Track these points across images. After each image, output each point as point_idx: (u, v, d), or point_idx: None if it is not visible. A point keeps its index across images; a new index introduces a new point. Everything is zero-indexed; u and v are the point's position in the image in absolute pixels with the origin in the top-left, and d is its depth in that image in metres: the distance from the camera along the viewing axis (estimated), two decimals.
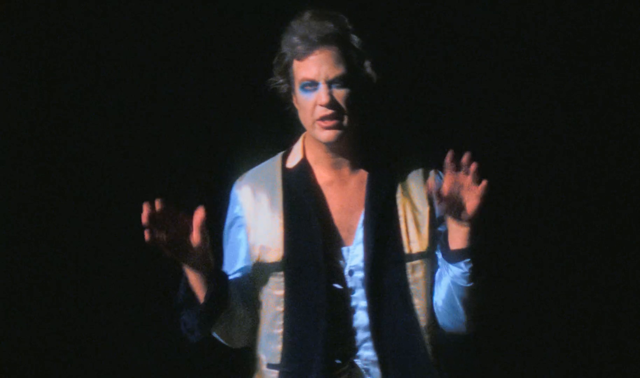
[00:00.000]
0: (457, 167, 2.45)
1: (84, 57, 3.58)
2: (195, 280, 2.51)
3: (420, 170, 2.69)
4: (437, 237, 2.62)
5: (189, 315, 2.53)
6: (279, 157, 2.75)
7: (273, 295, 2.63)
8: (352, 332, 2.61)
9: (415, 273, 2.61)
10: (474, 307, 2.58)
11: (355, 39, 2.57)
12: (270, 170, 2.72)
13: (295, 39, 2.55)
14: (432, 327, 2.63)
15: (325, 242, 2.60)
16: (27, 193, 3.58)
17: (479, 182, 2.44)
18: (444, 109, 3.67)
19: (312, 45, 2.53)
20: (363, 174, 2.67)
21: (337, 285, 2.60)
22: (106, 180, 3.64)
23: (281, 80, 2.65)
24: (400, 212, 2.63)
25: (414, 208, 2.64)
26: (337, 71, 2.54)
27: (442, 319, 2.63)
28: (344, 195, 2.66)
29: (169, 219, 2.41)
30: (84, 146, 3.62)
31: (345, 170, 2.67)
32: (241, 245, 2.69)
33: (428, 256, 2.63)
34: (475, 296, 2.56)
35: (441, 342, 2.65)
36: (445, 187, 2.46)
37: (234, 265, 2.69)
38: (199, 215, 2.42)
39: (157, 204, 2.39)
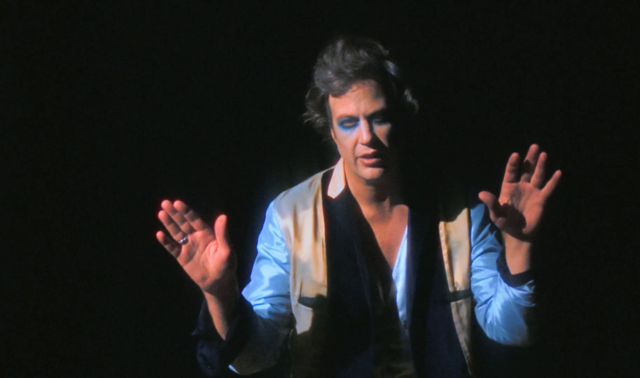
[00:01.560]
0: (517, 176, 2.27)
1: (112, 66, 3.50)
2: (216, 310, 2.32)
3: (461, 204, 2.56)
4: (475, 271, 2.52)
5: (209, 349, 2.34)
6: (319, 181, 2.62)
7: (315, 327, 2.53)
8: (395, 373, 2.54)
9: (460, 312, 2.52)
10: (539, 323, 2.42)
11: (392, 67, 2.42)
12: (311, 196, 2.59)
13: (330, 74, 2.40)
14: (478, 362, 2.55)
15: (371, 278, 2.50)
16: (32, 193, 3.49)
17: (543, 184, 2.25)
18: (481, 128, 3.55)
19: (348, 80, 2.38)
20: (404, 207, 2.56)
21: (384, 326, 2.52)
22: (121, 186, 3.55)
23: (316, 115, 2.51)
24: (444, 250, 2.52)
25: (457, 243, 2.53)
26: (376, 105, 2.39)
27: (499, 334, 2.50)
28: (385, 230, 2.55)
29: (189, 224, 2.24)
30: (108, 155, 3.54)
31: (386, 203, 2.56)
32: (278, 271, 2.57)
33: (470, 293, 2.54)
34: (541, 313, 2.39)
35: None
36: (503, 197, 2.27)
37: (267, 289, 2.57)
38: (222, 222, 2.23)
39: (177, 204, 2.21)
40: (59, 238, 3.49)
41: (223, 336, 2.31)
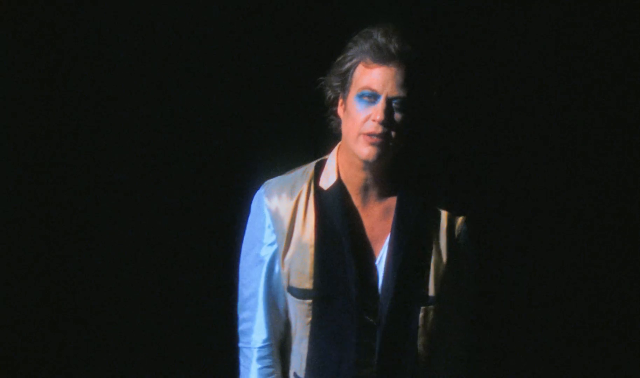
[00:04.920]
0: None
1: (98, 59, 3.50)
2: None
3: (446, 214, 2.58)
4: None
5: None
6: (311, 170, 2.60)
7: (301, 319, 2.56)
8: (362, 367, 2.55)
9: (427, 317, 2.54)
10: None
11: (431, 65, 2.47)
12: (302, 185, 2.58)
13: (371, 44, 2.43)
14: (429, 369, 2.57)
15: (356, 273, 2.51)
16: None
17: None
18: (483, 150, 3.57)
19: (387, 55, 2.42)
20: (390, 202, 2.56)
21: (368, 318, 2.52)
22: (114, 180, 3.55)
23: (336, 83, 2.51)
24: (423, 252, 2.55)
25: (437, 249, 2.55)
26: (402, 91, 2.42)
27: None
28: (368, 224, 2.56)
29: None
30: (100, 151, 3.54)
31: (373, 195, 2.55)
32: (273, 261, 2.58)
33: (440, 301, 2.55)
34: None
35: None
36: None
37: (265, 279, 2.58)
38: None
39: None
40: (52, 238, 3.51)
41: None
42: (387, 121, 2.41)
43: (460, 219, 2.57)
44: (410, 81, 2.42)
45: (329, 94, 2.53)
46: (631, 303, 3.64)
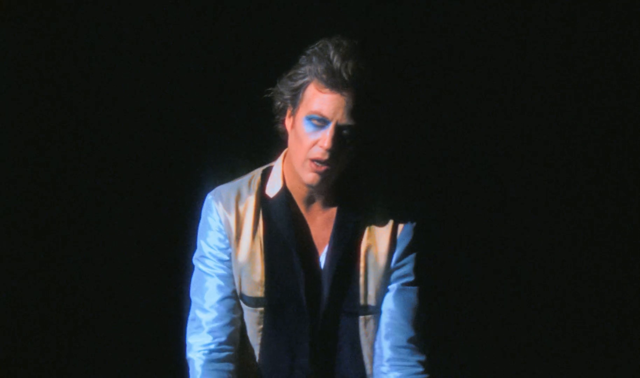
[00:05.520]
0: None
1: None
2: None
3: (390, 221, 2.58)
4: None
5: None
6: (258, 178, 2.60)
7: (252, 327, 2.56)
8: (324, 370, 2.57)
9: (367, 327, 2.55)
10: None
11: (382, 92, 2.45)
12: (250, 193, 2.58)
13: (326, 67, 2.39)
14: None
15: (305, 281, 2.52)
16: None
17: None
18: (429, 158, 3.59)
19: (340, 82, 2.37)
20: (332, 212, 2.56)
21: (315, 325, 2.53)
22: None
23: (286, 96, 2.48)
24: (362, 262, 2.54)
25: (376, 258, 2.55)
26: (352, 120, 2.39)
27: None
28: (310, 233, 2.56)
29: None
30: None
31: (316, 205, 2.56)
32: (226, 266, 2.57)
33: (379, 310, 2.56)
34: None
35: None
36: None
37: (210, 283, 2.56)
38: None
39: None
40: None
41: None
42: (335, 149, 2.39)
43: (403, 228, 2.57)
44: (361, 109, 2.39)
45: (278, 103, 2.51)
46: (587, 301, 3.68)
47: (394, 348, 2.53)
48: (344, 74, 2.36)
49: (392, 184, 2.98)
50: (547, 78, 3.56)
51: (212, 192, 2.60)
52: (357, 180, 2.58)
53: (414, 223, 2.57)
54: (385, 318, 2.55)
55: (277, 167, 2.58)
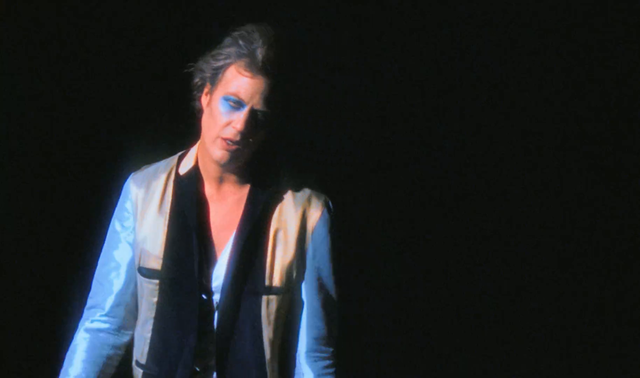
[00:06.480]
0: None
1: None
2: None
3: (300, 207, 2.61)
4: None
5: None
6: (176, 158, 2.67)
7: (148, 300, 2.60)
8: (203, 357, 2.59)
9: (269, 308, 2.56)
10: None
11: (298, 79, 2.52)
12: (164, 171, 2.64)
13: (249, 51, 2.45)
14: (278, 362, 2.59)
15: (201, 259, 2.55)
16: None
17: None
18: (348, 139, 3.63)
19: (261, 68, 2.44)
20: (243, 193, 2.60)
21: (207, 303, 2.56)
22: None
23: (206, 74, 2.53)
24: (270, 243, 2.58)
25: (285, 241, 2.58)
26: (266, 105, 2.46)
27: None
28: (220, 212, 2.60)
29: None
30: None
31: (228, 185, 2.60)
32: (125, 242, 2.63)
33: (287, 292, 2.59)
34: None
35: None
36: None
37: (116, 258, 2.64)
38: None
39: None
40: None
41: None
42: (247, 131, 2.46)
43: (315, 212, 2.61)
44: (277, 96, 2.46)
45: (197, 80, 2.56)
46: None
47: (310, 340, 2.59)
48: (266, 61, 2.43)
49: (304, 173, 3.06)
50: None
51: (131, 173, 2.67)
52: (269, 162, 2.63)
53: (327, 216, 2.61)
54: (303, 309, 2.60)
55: (193, 148, 2.65)
